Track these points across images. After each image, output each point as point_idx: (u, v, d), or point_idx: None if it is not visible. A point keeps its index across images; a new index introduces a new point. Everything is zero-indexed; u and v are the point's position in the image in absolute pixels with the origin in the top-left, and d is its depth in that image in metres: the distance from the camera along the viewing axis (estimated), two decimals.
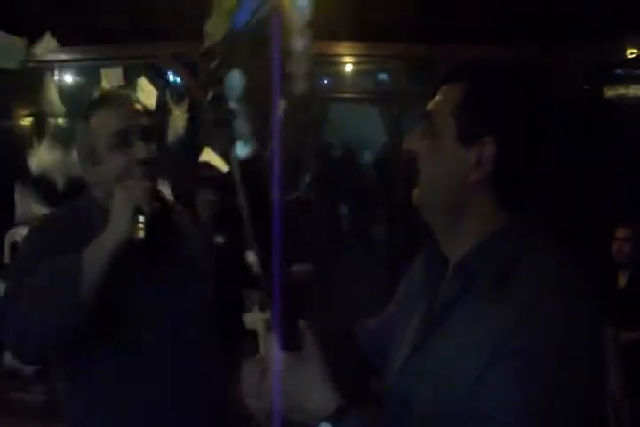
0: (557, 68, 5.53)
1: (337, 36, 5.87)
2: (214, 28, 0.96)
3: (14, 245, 6.10)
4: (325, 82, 9.37)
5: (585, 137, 5.43)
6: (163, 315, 1.96)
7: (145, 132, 1.93)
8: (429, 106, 1.23)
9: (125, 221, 1.74)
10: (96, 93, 2.11)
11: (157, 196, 2.01)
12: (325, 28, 5.49)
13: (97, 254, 1.71)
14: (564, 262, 1.14)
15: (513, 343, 1.02)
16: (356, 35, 5.79)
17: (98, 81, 6.61)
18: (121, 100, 1.96)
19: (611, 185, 5.12)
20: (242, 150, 0.94)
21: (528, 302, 1.05)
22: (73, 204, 2.05)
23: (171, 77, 6.67)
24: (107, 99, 1.98)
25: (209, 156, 4.15)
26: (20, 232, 6.13)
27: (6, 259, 6.01)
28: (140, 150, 1.89)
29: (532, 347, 1.01)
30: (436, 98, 1.23)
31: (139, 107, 1.98)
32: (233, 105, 0.98)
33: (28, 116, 7.49)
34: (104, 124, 1.90)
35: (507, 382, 1.01)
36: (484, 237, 1.18)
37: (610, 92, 5.91)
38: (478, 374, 1.05)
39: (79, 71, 7.17)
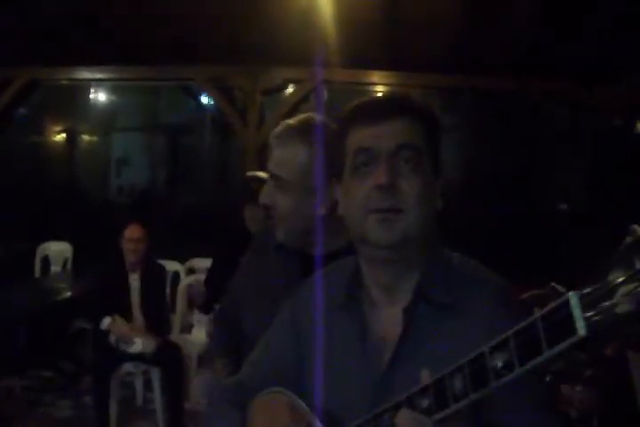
0: (591, 103, 5.57)
1: (369, 65, 5.93)
2: None
3: (45, 260, 6.16)
4: None
5: (617, 169, 5.44)
6: None
7: None
8: (393, 142, 1.17)
9: None
10: None
11: None
12: (358, 57, 5.58)
13: None
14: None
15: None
16: (388, 64, 5.85)
17: (131, 100, 6.71)
18: None
19: None
20: None
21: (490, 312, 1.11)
22: None
23: (205, 100, 6.75)
24: None
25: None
26: (51, 247, 6.20)
27: (37, 273, 6.06)
28: None
29: None
30: (391, 134, 1.17)
31: None
32: None
33: (61, 132, 7.62)
34: None
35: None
36: (430, 264, 1.20)
37: None
38: None
39: (114, 90, 7.28)
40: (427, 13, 5.34)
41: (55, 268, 6.12)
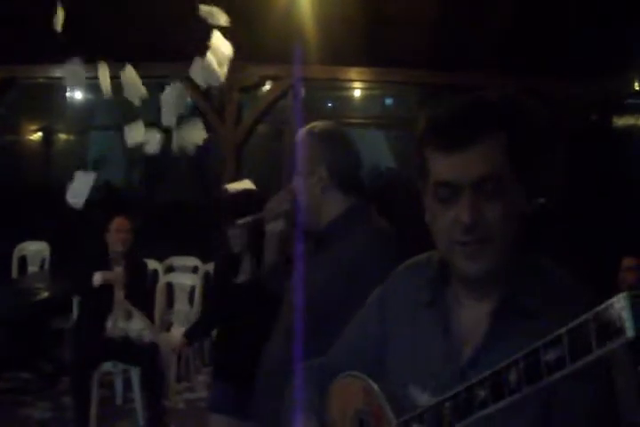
0: (570, 99, 5.61)
1: (346, 62, 5.93)
2: None
3: (22, 260, 6.10)
4: (333, 106, 9.46)
5: (594, 166, 5.49)
6: None
7: None
8: (475, 174, 1.09)
9: None
10: None
11: None
12: (335, 53, 5.58)
13: None
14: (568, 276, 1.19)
15: None
16: (364, 61, 5.85)
17: (107, 98, 6.62)
18: None
19: (618, 214, 5.16)
20: None
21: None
22: None
23: None
24: None
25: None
26: (29, 247, 6.14)
27: (14, 273, 6.00)
28: None
29: None
30: (471, 164, 1.10)
31: None
32: None
33: (37, 131, 7.55)
34: None
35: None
36: (517, 272, 1.17)
37: (620, 122, 5.99)
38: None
39: (90, 88, 7.19)
40: (406, 9, 5.35)
41: (32, 268, 6.07)
